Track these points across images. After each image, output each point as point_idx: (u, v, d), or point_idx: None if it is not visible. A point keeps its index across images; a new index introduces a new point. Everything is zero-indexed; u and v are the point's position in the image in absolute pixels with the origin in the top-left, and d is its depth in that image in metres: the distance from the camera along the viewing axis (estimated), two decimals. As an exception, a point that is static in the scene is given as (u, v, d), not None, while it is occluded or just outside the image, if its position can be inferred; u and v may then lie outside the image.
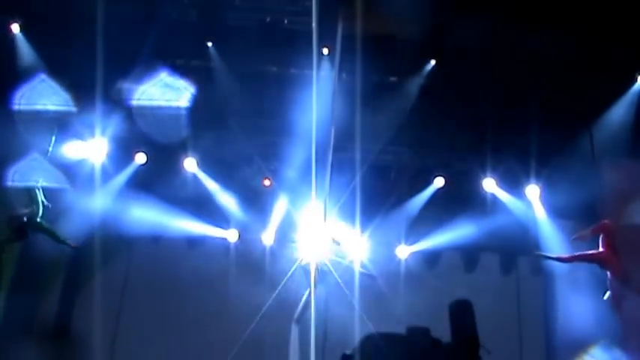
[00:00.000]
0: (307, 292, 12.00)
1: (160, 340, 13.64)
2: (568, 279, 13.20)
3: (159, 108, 12.69)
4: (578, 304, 12.81)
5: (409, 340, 12.49)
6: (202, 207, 13.88)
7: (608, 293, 11.11)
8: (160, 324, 13.78)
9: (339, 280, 13.03)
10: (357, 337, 12.32)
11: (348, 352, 12.08)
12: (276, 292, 12.96)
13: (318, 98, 11.48)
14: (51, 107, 12.32)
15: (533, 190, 13.69)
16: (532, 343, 13.97)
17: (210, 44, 12.59)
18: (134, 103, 12.62)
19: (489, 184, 13.79)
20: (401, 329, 12.78)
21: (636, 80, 12.77)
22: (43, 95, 12.30)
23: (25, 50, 12.17)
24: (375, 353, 11.98)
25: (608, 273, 11.05)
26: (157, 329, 13.73)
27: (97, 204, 13.02)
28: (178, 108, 12.68)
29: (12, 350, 12.57)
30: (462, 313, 12.21)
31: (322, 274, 11.84)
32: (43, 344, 13.25)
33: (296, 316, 12.55)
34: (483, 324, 13.49)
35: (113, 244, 13.62)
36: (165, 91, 12.70)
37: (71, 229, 12.59)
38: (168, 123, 12.68)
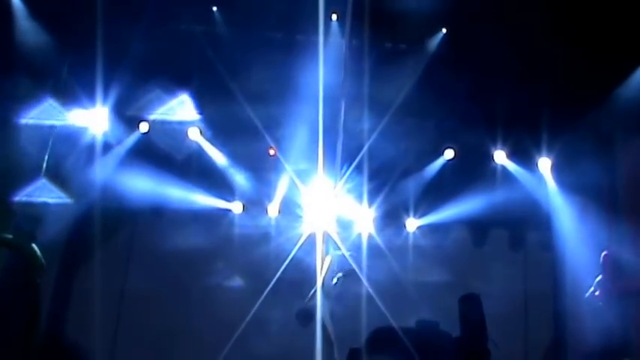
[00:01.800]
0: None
1: (164, 315, 13.39)
2: (578, 256, 12.96)
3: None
4: (587, 282, 12.58)
5: (418, 334, 12.24)
6: (206, 178, 13.61)
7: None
8: (163, 298, 13.48)
9: (347, 256, 12.76)
10: (364, 314, 12.08)
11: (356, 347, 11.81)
12: (284, 265, 12.67)
13: (325, 66, 11.24)
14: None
15: (544, 164, 13.46)
16: (539, 320, 13.76)
17: (215, 9, 12.23)
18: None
19: (500, 157, 13.56)
20: (410, 323, 12.60)
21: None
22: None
23: (20, 13, 11.84)
24: (383, 348, 11.74)
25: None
26: (161, 303, 13.45)
27: (98, 175, 12.75)
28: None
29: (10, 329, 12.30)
30: (471, 307, 12.00)
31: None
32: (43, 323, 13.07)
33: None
34: (490, 300, 13.47)
35: (115, 217, 13.35)
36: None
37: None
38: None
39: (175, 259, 13.38)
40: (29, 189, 12.08)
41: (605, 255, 11.12)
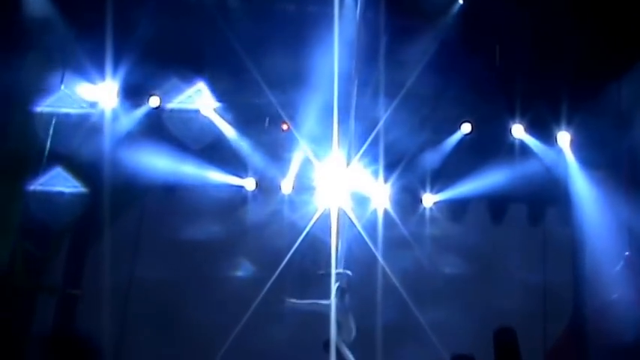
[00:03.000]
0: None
1: (175, 293, 13.19)
2: (597, 231, 12.81)
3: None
4: (606, 258, 12.45)
5: None
6: (218, 153, 13.37)
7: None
8: (174, 276, 13.31)
9: (361, 231, 12.58)
10: (380, 292, 11.90)
11: None
12: (297, 242, 12.49)
13: (339, 38, 11.02)
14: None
15: (563, 138, 13.18)
16: (558, 296, 13.46)
17: (225, -20, 12.00)
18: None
19: (518, 131, 13.26)
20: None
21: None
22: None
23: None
24: None
25: None
26: (172, 282, 13.28)
27: (108, 152, 12.54)
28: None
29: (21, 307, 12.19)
30: (507, 342, 11.85)
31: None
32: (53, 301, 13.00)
33: None
34: (509, 277, 13.37)
35: (125, 195, 13.15)
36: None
37: (80, 178, 12.34)
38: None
39: (187, 236, 13.22)
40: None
41: (628, 256, 10.97)
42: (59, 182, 12.51)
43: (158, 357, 12.74)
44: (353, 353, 10.45)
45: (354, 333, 10.49)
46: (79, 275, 13.19)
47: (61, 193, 12.56)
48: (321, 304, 10.70)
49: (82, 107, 12.55)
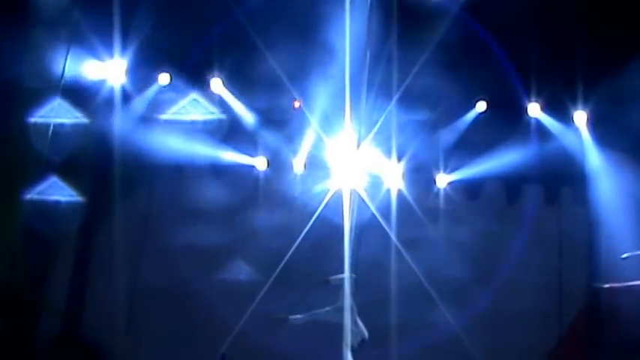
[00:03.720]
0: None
1: (184, 274, 13.02)
2: (613, 212, 12.65)
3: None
4: (623, 239, 12.20)
5: None
6: (229, 131, 13.19)
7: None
8: (184, 258, 13.08)
9: (374, 211, 12.40)
10: (393, 274, 11.77)
11: None
12: (309, 223, 12.30)
13: (352, 12, 10.79)
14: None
15: (580, 117, 12.95)
16: (574, 277, 13.28)
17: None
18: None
19: (534, 110, 13.05)
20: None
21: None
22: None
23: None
24: None
25: None
26: (181, 263, 13.05)
27: (116, 130, 12.42)
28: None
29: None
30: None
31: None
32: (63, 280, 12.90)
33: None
34: (524, 258, 13.14)
35: (133, 174, 13.01)
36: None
37: (88, 158, 12.20)
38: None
39: (196, 217, 13.03)
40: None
41: None
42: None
43: (171, 332, 12.71)
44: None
45: (364, 335, 10.29)
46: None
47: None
48: (320, 312, 10.53)
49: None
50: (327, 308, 10.40)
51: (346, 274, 10.39)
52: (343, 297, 10.34)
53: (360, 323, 10.24)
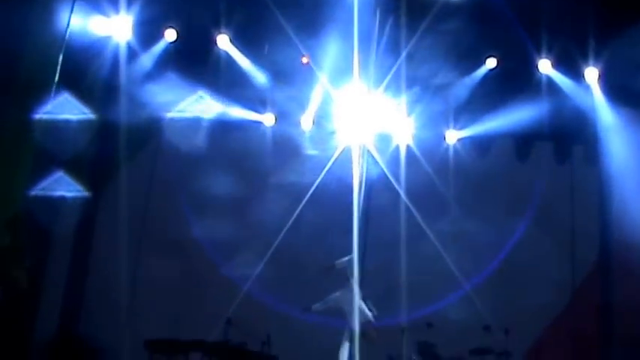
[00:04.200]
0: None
1: (192, 229, 13.04)
2: (625, 170, 12.56)
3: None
4: (635, 197, 12.25)
5: None
6: (236, 88, 12.98)
7: None
8: (191, 214, 13.12)
9: (384, 168, 12.30)
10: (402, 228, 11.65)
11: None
12: (318, 178, 12.19)
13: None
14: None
15: (591, 74, 12.75)
16: (585, 235, 13.27)
17: None
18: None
19: (545, 66, 12.79)
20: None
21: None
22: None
23: None
24: None
25: None
26: (189, 220, 13.09)
27: (123, 86, 12.22)
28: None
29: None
30: None
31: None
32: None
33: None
34: (535, 216, 13.14)
35: (140, 130, 12.89)
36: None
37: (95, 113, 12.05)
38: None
39: (205, 173, 12.93)
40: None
41: None
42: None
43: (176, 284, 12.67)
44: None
45: (372, 314, 10.19)
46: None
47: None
48: (335, 297, 10.43)
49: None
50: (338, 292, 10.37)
51: (353, 256, 10.34)
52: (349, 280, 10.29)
53: (366, 306, 10.16)
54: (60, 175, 11.89)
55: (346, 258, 10.45)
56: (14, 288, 10.07)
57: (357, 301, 10.11)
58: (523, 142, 13.62)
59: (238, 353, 11.80)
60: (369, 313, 10.13)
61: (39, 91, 10.97)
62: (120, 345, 11.58)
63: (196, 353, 11.70)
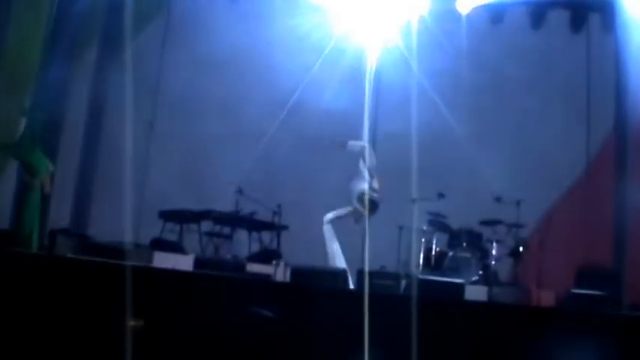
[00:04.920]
0: None
1: (199, 116, 12.94)
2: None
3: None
4: None
5: None
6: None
7: None
8: (199, 96, 12.94)
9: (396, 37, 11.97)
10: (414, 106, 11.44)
11: None
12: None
13: None
14: None
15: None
16: (601, 106, 13.10)
17: None
18: None
19: None
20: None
21: None
22: None
23: None
24: None
25: None
26: (197, 102, 12.96)
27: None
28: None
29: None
30: None
31: None
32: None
33: None
34: (550, 86, 13.00)
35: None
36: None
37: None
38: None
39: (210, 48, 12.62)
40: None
41: None
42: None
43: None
44: None
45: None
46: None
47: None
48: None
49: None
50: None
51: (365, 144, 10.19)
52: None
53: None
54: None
55: (360, 143, 10.35)
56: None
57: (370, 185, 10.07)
58: (537, 9, 13.16)
59: (249, 222, 12.01)
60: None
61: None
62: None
63: (207, 222, 11.91)
